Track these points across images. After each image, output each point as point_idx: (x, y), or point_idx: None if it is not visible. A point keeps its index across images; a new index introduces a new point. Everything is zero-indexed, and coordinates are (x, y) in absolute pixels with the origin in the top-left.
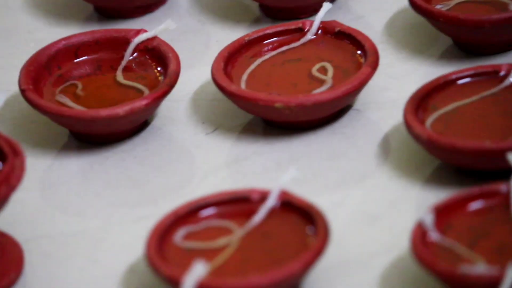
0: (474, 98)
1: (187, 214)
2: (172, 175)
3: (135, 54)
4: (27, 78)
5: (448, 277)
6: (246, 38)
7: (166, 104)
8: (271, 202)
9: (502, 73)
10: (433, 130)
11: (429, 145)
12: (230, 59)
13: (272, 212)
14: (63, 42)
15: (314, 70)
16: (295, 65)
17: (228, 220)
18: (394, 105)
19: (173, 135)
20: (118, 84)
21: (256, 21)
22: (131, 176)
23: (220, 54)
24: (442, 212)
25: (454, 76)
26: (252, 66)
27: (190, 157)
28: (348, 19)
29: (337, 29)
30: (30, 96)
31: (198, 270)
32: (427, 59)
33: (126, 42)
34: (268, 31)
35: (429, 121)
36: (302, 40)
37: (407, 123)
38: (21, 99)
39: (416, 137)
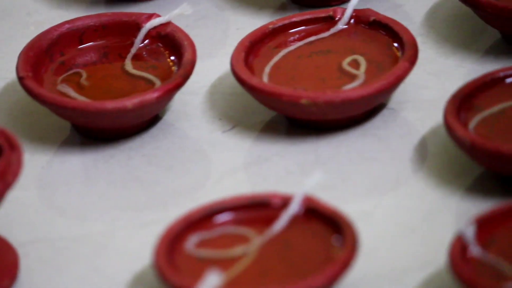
0: None
1: (200, 219)
2: (184, 176)
3: (146, 41)
4: (26, 65)
5: None
6: (270, 26)
7: (180, 98)
8: (293, 208)
9: None
10: (476, 134)
11: (472, 150)
12: (252, 49)
13: (294, 220)
14: (67, 25)
15: (345, 64)
16: (323, 57)
17: (245, 227)
18: (434, 105)
19: (186, 132)
20: (127, 74)
21: (282, 7)
22: (139, 176)
23: (240, 43)
24: (485, 225)
25: (501, 74)
26: (276, 58)
27: (205, 157)
28: (384, 8)
29: (371, 18)
30: (29, 84)
31: (212, 281)
32: (472, 54)
33: (136, 27)
34: (294, 19)
35: (473, 123)
36: (332, 30)
37: (447, 125)
38: (19, 87)
39: (458, 141)
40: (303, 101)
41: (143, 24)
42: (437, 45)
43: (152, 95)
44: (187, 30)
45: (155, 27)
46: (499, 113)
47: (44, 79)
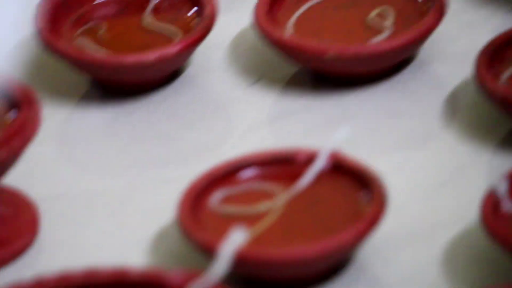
0: None
1: (224, 175)
2: (207, 131)
3: None
4: (43, 18)
5: None
6: None
7: (201, 51)
8: (319, 164)
9: None
10: (509, 86)
11: (504, 103)
12: (276, 1)
13: (320, 176)
14: None
15: (372, 16)
16: (349, 9)
17: (271, 182)
18: (464, 58)
19: (208, 86)
20: (147, 27)
21: None
22: (161, 131)
23: None
24: None
25: None
26: (301, 10)
27: (228, 111)
28: None
29: None
30: (46, 37)
31: (237, 237)
32: (505, 5)
33: None
34: None
35: (505, 76)
36: None
37: (478, 78)
38: (36, 41)
39: (489, 94)
40: (329, 54)
41: None
42: None
43: (172, 49)
44: None
45: None
46: None
47: (62, 32)
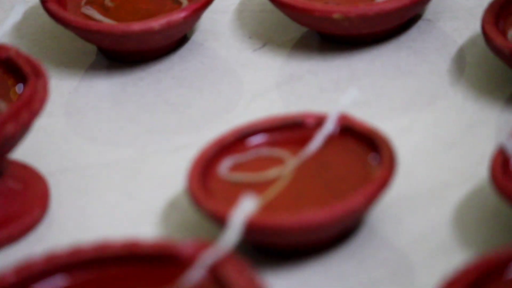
0: None
1: (233, 142)
2: (215, 97)
3: None
4: None
5: None
6: None
7: (208, 17)
8: (328, 127)
9: None
10: None
11: None
12: None
13: (330, 139)
14: None
15: None
16: None
17: (279, 148)
18: (471, 14)
19: (216, 52)
20: None
21: None
22: (169, 99)
23: None
24: None
25: None
26: None
27: (236, 77)
28: None
29: None
30: (52, 7)
31: (247, 205)
32: None
33: None
34: None
35: None
36: None
37: (486, 35)
38: (42, 11)
39: (497, 50)
40: (336, 15)
41: None
42: None
43: (179, 15)
44: None
45: None
46: None
47: (67, 1)
